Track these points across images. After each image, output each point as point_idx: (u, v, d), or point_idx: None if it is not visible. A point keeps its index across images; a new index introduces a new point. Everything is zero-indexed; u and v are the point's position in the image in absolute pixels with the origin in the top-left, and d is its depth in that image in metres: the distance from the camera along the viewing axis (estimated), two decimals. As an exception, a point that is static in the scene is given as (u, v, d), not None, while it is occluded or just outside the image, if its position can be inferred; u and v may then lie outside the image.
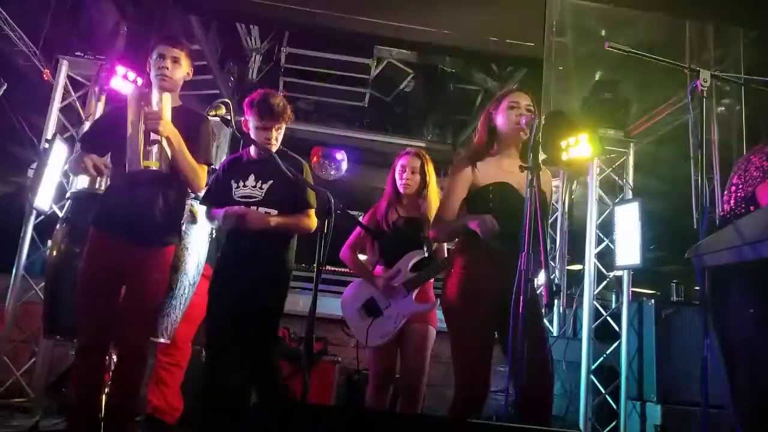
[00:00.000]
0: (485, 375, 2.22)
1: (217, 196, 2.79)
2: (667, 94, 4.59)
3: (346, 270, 4.69)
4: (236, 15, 6.12)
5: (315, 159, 7.48)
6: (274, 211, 2.69)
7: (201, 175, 2.55)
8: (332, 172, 7.68)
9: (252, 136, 2.72)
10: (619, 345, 4.58)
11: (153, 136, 2.35)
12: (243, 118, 2.79)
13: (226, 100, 2.24)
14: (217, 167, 2.95)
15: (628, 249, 4.32)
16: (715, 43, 4.39)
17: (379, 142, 7.70)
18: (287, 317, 3.30)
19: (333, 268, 4.86)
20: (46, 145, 4.09)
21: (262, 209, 2.67)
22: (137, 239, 2.47)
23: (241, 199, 2.71)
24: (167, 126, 2.39)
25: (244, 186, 2.73)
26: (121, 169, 2.46)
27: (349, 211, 2.32)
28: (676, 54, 4.34)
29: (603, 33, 4.40)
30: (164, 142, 2.39)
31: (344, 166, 7.71)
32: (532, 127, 2.19)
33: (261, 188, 2.71)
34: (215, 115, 2.22)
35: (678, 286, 4.63)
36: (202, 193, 2.85)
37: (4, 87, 1.90)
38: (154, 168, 2.38)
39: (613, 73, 4.62)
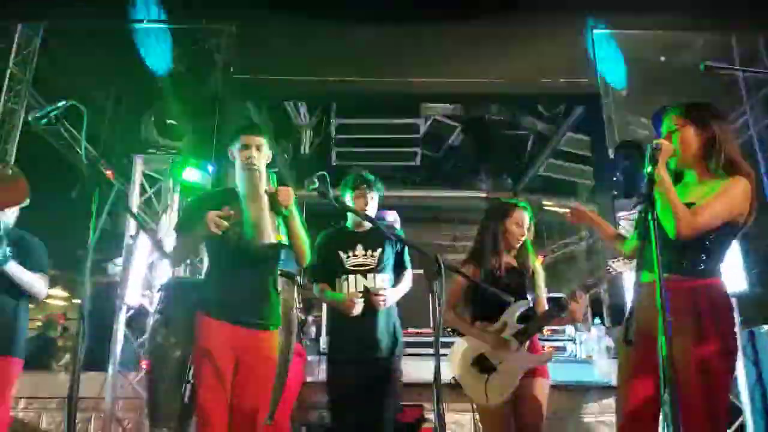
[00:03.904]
0: None
1: (326, 270, 3.02)
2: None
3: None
4: (287, 96, 6.39)
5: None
6: (387, 275, 2.97)
7: (309, 247, 2.60)
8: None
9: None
10: (736, 379, 4.24)
11: (281, 210, 2.43)
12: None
13: (323, 173, 2.26)
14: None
15: (730, 274, 4.05)
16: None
17: (436, 198, 7.70)
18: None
19: (417, 330, 4.70)
20: (131, 241, 4.22)
21: (379, 276, 2.95)
22: (251, 323, 2.46)
23: (354, 268, 2.97)
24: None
25: (354, 255, 2.97)
26: (226, 252, 2.49)
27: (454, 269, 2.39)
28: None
29: (662, 58, 4.35)
30: (283, 219, 2.48)
31: (397, 226, 7.71)
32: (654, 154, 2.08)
33: (372, 256, 2.97)
34: (313, 189, 2.24)
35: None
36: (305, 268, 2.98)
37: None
38: (283, 242, 2.45)
39: (677, 96, 4.55)
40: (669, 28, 4.72)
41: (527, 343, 2.81)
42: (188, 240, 2.55)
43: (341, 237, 3.06)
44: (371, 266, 2.95)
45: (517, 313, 2.83)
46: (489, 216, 3.06)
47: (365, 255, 2.97)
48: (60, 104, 2.33)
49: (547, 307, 2.92)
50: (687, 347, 2.06)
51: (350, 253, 2.97)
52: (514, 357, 2.77)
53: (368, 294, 2.92)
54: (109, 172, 2.21)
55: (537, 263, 3.04)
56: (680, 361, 2.07)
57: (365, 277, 2.96)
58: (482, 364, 2.80)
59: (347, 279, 2.97)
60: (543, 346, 3.02)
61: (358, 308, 2.87)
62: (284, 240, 2.46)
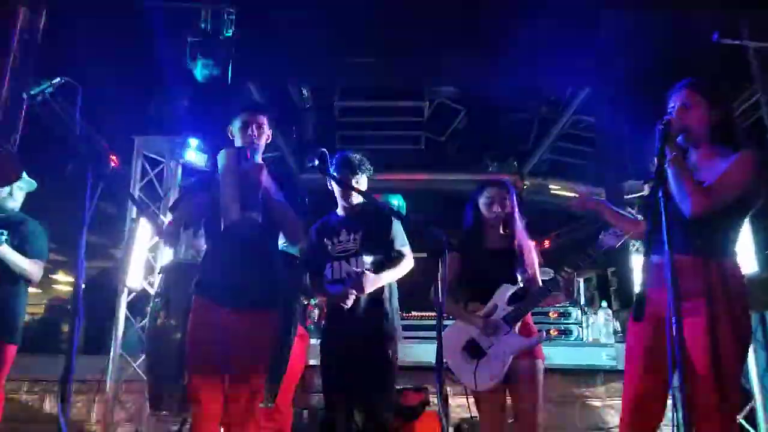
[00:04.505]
0: None
1: (315, 261, 2.98)
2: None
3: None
4: (288, 79, 6.32)
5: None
6: (369, 257, 2.85)
7: (300, 225, 2.56)
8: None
9: (336, 192, 2.94)
10: (746, 363, 4.17)
11: (254, 187, 2.33)
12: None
13: (323, 150, 2.20)
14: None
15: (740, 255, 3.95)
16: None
17: (440, 181, 7.63)
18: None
19: (420, 314, 4.68)
20: (132, 225, 4.18)
21: (362, 258, 2.84)
22: (243, 305, 2.40)
23: (339, 254, 2.90)
24: (268, 178, 2.39)
25: (339, 242, 2.92)
26: (217, 233, 2.45)
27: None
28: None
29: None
30: (264, 193, 2.38)
31: (403, 211, 7.65)
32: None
33: (354, 239, 2.90)
34: (314, 166, 2.18)
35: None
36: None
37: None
38: (256, 218, 2.33)
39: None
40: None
41: (518, 325, 2.75)
42: (175, 216, 2.59)
43: (327, 225, 3.00)
44: (353, 250, 2.87)
45: (507, 295, 2.78)
46: (469, 198, 3.03)
47: (348, 240, 2.89)
48: (54, 80, 2.29)
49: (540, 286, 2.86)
50: (698, 328, 2.00)
51: (335, 240, 2.92)
52: (504, 340, 2.73)
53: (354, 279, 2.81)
54: (113, 158, 2.18)
55: (528, 240, 2.96)
56: (691, 342, 2.02)
57: (348, 262, 2.86)
58: (472, 350, 2.77)
59: (332, 266, 2.89)
60: (543, 330, 2.94)
61: (350, 301, 2.77)
62: (257, 218, 2.34)
